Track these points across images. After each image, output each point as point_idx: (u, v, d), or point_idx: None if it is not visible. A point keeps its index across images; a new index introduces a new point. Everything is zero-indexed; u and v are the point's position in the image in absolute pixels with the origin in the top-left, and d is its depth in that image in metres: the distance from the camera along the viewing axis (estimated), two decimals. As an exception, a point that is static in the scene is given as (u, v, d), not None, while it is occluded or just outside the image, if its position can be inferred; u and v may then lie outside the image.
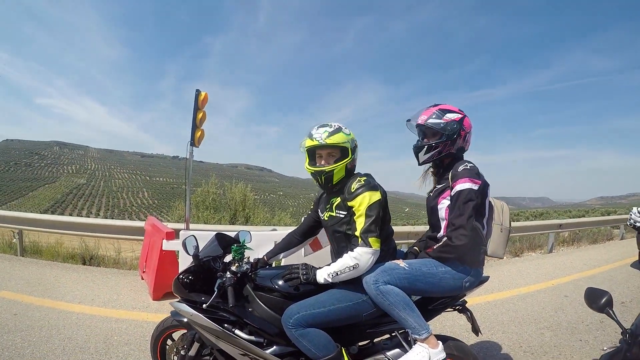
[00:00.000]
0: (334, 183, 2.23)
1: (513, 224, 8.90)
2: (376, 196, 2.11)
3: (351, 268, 2.05)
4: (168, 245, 4.92)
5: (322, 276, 2.12)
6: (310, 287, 2.25)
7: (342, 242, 2.22)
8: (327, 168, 2.20)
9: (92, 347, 3.46)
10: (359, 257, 2.04)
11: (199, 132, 5.33)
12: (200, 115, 5.27)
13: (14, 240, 7.15)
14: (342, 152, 2.22)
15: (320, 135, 2.18)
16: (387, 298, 2.03)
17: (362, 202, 2.08)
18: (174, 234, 4.96)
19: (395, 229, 7.39)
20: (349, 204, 2.12)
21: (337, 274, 2.08)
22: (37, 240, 7.41)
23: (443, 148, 2.32)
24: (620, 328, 1.69)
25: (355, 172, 2.31)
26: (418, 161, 2.43)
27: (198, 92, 5.22)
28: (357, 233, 2.07)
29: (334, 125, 2.24)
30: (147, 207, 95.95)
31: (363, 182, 2.13)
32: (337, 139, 2.18)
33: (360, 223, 2.07)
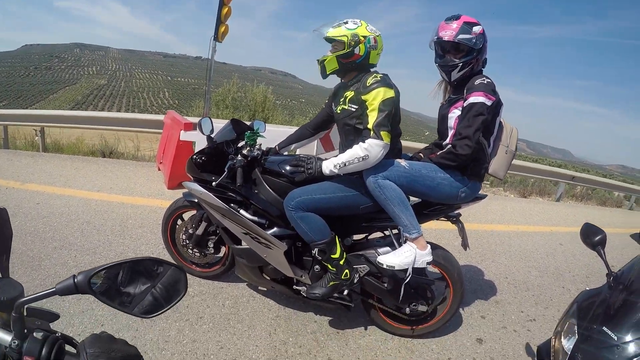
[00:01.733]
0: (327, 73, 2.27)
1: (530, 164, 8.89)
2: (390, 93, 2.11)
3: (360, 159, 2.09)
4: (186, 135, 5.05)
5: (328, 167, 2.17)
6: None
7: (351, 136, 2.27)
8: (321, 58, 2.25)
9: (109, 229, 3.69)
10: (370, 148, 2.07)
11: (223, 27, 5.26)
12: (225, 10, 5.16)
13: (37, 138, 7.33)
14: (343, 45, 2.19)
15: (327, 29, 2.21)
16: (384, 192, 2.12)
17: (377, 96, 2.09)
18: (192, 125, 5.06)
19: (410, 143, 7.44)
20: (363, 97, 2.13)
21: (345, 164, 2.12)
22: (58, 139, 7.59)
23: (475, 64, 2.28)
24: (606, 269, 1.72)
25: (372, 70, 2.29)
26: (449, 79, 2.36)
27: (225, -14, 5.08)
28: (370, 126, 2.09)
29: (344, 21, 2.22)
30: (167, 107, 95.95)
31: (379, 78, 2.13)
32: (334, 32, 2.18)
33: (373, 117, 2.09)
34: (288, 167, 2.34)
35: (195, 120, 5.85)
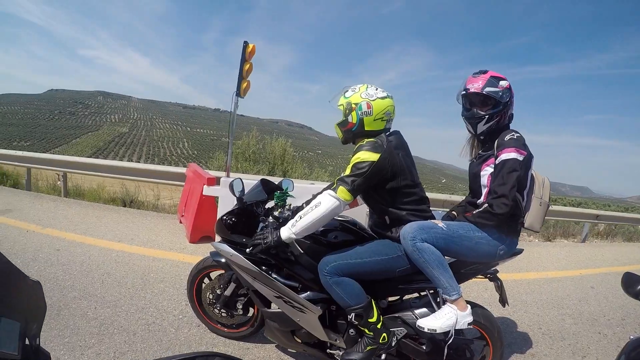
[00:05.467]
0: (340, 140, 2.37)
1: (550, 208, 8.76)
2: (372, 156, 2.08)
3: (313, 207, 2.04)
4: (208, 190, 5.09)
5: (285, 231, 2.10)
6: (349, 237, 2.33)
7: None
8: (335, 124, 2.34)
9: (130, 282, 3.63)
10: (324, 198, 2.04)
11: (245, 83, 5.43)
12: (247, 66, 5.34)
13: (59, 182, 7.48)
14: (342, 114, 2.26)
15: (336, 97, 2.30)
16: (423, 255, 2.06)
17: (356, 158, 2.09)
18: (214, 180, 5.13)
19: (432, 195, 7.36)
20: (350, 160, 2.16)
21: (300, 217, 2.06)
22: (79, 184, 7.72)
23: (501, 117, 2.28)
24: None
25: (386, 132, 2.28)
26: (474, 131, 2.35)
27: (246, 43, 5.30)
28: (336, 178, 2.10)
29: (346, 89, 2.28)
30: (186, 157, 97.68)
31: (365, 143, 2.13)
32: (338, 101, 2.27)
33: (344, 172, 2.11)
34: (320, 229, 2.28)
35: (216, 174, 5.92)
